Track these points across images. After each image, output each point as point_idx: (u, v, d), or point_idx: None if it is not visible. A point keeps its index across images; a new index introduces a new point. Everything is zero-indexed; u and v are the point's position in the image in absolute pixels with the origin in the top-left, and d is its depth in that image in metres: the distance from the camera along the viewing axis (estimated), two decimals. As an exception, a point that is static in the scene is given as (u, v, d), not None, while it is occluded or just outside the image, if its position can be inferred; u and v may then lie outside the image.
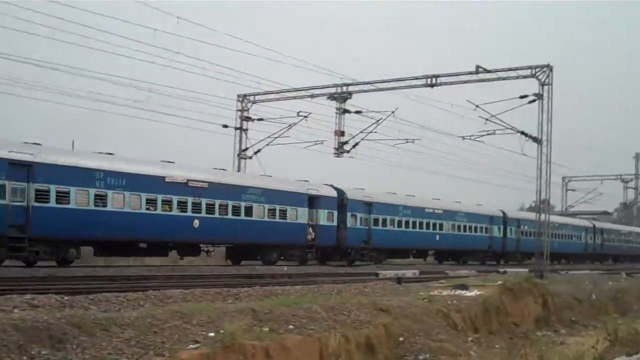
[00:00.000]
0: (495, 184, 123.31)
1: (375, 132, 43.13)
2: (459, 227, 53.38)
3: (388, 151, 46.03)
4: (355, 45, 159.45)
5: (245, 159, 46.31)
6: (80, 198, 29.57)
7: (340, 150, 43.68)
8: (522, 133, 38.32)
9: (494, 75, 39.20)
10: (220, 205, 35.50)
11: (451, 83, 40.47)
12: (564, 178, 72.27)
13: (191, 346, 12.60)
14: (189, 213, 33.89)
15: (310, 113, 43.57)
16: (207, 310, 15.20)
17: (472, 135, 41.88)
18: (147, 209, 32.16)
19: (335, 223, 42.64)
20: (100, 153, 32.07)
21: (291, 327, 15.83)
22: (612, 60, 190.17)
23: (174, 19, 35.33)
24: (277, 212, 39.00)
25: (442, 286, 26.50)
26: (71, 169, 29.48)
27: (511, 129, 39.10)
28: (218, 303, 17.39)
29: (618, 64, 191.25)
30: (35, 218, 27.88)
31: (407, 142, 44.79)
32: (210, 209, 34.91)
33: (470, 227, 54.39)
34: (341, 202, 43.18)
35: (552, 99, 36.87)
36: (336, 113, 43.52)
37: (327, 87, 43.88)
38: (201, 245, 36.57)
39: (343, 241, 43.08)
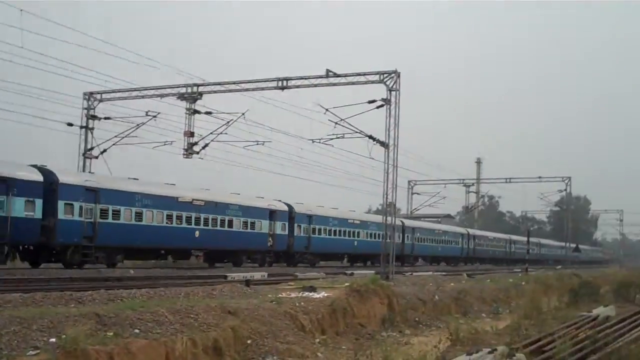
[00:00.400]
0: (344, 187, 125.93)
1: (226, 133, 42.90)
2: (371, 234, 60.14)
3: (238, 153, 45.97)
4: (209, 44, 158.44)
5: (90, 158, 44.86)
6: (126, 215, 37.85)
7: (189, 151, 43.14)
8: (370, 137, 39.09)
9: (343, 80, 39.74)
10: (212, 219, 43.98)
11: (301, 86, 40.83)
12: (409, 182, 74.53)
13: (31, 352, 12.12)
14: (193, 225, 42.48)
15: (159, 113, 42.86)
16: (49, 314, 14.64)
17: (321, 139, 42.33)
18: (167, 223, 40.72)
19: (286, 232, 50.94)
20: (131, 179, 40.37)
21: (137, 331, 15.49)
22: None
23: (17, 12, 33.69)
24: (249, 224, 47.33)
25: (291, 288, 26.69)
26: (121, 193, 37.95)
27: (359, 132, 39.85)
28: (60, 307, 16.75)
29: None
30: (99, 231, 35.97)
31: (258, 144, 44.91)
32: (206, 222, 43.42)
33: (377, 235, 57.90)
34: (290, 215, 51.43)
35: (399, 105, 37.81)
36: (186, 113, 42.93)
37: (177, 87, 43.17)
38: (193, 250, 44.75)
39: (291, 247, 51.53)
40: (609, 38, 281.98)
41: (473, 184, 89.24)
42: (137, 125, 43.47)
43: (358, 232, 59.44)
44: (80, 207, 35.15)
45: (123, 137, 44.35)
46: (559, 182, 72.84)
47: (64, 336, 13.19)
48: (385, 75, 38.30)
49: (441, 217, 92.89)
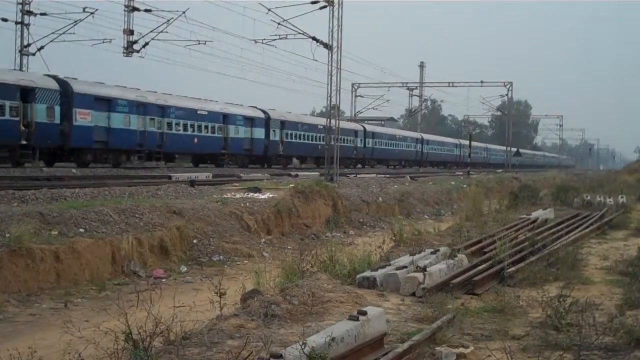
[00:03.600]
0: (287, 89, 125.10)
1: (166, 32, 41.87)
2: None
3: (179, 52, 45.31)
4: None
5: (27, 55, 43.51)
6: (177, 127, 44.24)
7: (129, 49, 42.08)
8: (314, 39, 38.51)
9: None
10: (211, 126, 47.98)
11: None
12: (353, 84, 74.13)
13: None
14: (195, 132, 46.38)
15: (96, 10, 41.56)
16: (-10, 213, 14.42)
17: (264, 39, 41.55)
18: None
19: (264, 137, 53.46)
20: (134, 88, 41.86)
21: (82, 230, 15.43)
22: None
23: None
24: (238, 130, 50.45)
25: (236, 189, 26.74)
26: (179, 108, 44.58)
27: (303, 34, 39.23)
28: (2, 206, 16.53)
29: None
30: (167, 139, 43.04)
31: (199, 43, 44.06)
32: (206, 129, 47.40)
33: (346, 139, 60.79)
34: (267, 122, 53.78)
35: (343, 6, 37.15)
36: (125, 11, 41.63)
37: (115, -17, 41.74)
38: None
39: (267, 151, 54.06)
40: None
41: (416, 88, 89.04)
42: (75, 22, 42.12)
43: (322, 137, 58.10)
44: (92, 114, 37.43)
45: (60, 34, 43.01)
46: (500, 87, 73.09)
47: (7, 235, 13.05)
48: (327, -24, 37.35)
49: (384, 120, 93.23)
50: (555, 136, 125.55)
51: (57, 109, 35.35)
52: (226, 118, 49.38)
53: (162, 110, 42.90)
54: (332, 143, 37.62)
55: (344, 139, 61.60)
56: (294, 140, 57.51)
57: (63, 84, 36.40)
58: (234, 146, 50.20)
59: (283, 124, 56.33)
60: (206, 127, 47.47)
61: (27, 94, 33.86)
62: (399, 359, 6.89)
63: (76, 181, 27.02)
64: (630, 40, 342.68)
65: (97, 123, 37.77)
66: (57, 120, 35.36)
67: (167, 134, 43.05)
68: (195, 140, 46.21)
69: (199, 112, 46.75)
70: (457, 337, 8.26)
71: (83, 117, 37.10)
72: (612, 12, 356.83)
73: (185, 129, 45.21)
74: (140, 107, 41.06)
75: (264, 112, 54.53)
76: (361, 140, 69.27)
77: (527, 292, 10.99)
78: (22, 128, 33.39)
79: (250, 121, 52.25)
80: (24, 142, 33.78)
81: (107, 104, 38.69)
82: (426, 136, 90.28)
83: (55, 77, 36.64)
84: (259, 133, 53.14)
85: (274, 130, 54.80)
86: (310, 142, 59.22)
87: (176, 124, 44.17)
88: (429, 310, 9.33)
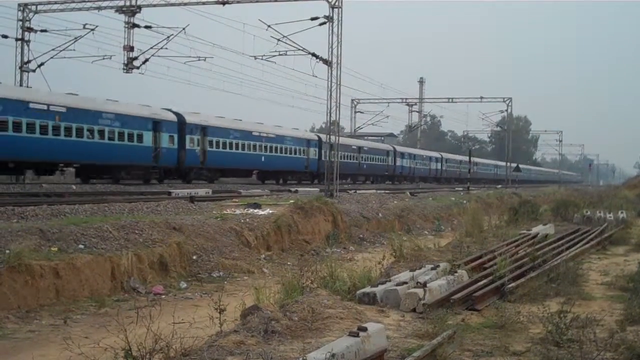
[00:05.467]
0: (288, 105, 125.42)
1: (166, 48, 41.98)
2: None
3: (179, 68, 45.37)
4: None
5: (28, 72, 43.56)
6: (222, 145, 48.79)
7: (129, 66, 42.16)
8: (313, 55, 38.61)
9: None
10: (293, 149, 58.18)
11: (242, 1, 39.78)
12: (352, 100, 74.23)
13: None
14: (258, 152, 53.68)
15: (97, 26, 41.62)
16: (-10, 229, 14.40)
17: (263, 55, 41.65)
18: (243, 150, 51.41)
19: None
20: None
21: (81, 246, 15.41)
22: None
23: None
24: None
25: (235, 205, 26.73)
26: (219, 129, 49.24)
27: (302, 50, 39.34)
28: (2, 223, 16.51)
29: None
30: (207, 157, 47.34)
31: (199, 59, 44.13)
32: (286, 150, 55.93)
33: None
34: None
35: (342, 22, 37.27)
36: (125, 27, 41.72)
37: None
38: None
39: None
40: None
41: (416, 104, 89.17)
42: (75, 38, 42.21)
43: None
44: (197, 140, 46.84)
45: (61, 51, 43.09)
46: (500, 102, 73.32)
47: (7, 251, 13.03)
48: (326, -9, 37.44)
49: (384, 135, 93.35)
50: (555, 151, 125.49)
51: (175, 136, 44.70)
52: (290, 140, 57.59)
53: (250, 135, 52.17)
54: (333, 159, 37.68)
55: (378, 158, 74.46)
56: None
57: (178, 116, 45.69)
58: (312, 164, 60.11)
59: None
60: (286, 149, 56.97)
61: (156, 125, 43.03)
62: (399, 375, 6.87)
63: (76, 197, 27.01)
64: (629, 56, 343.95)
65: (203, 147, 47.22)
66: (175, 146, 44.65)
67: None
68: (280, 161, 56.02)
69: (286, 137, 57.62)
70: (458, 353, 8.24)
71: (191, 143, 46.19)
72: (610, 31, 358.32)
73: (275, 150, 55.37)
74: (237, 133, 50.93)
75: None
76: (392, 159, 77.83)
77: (527, 308, 10.95)
78: (153, 153, 42.46)
79: (306, 143, 60.30)
80: (153, 164, 43.15)
81: (202, 130, 47.32)
82: (445, 155, 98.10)
83: (172, 111, 45.96)
84: (313, 153, 60.65)
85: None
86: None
87: (264, 147, 53.72)
88: (430, 326, 9.30)
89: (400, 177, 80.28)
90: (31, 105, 34.67)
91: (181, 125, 45.53)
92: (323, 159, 54.23)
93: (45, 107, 35.52)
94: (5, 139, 32.96)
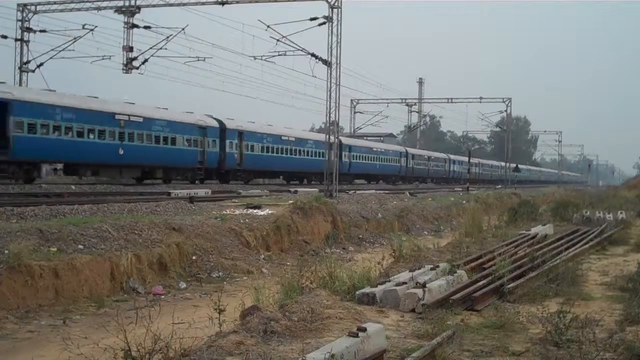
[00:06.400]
0: (287, 105, 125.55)
1: (166, 48, 41.95)
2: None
3: (179, 69, 45.39)
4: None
5: (27, 72, 43.53)
6: (257, 148, 52.74)
7: (129, 66, 42.10)
8: (313, 55, 38.55)
9: (285, -5, 38.84)
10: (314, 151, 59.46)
11: (242, 2, 39.67)
12: (352, 100, 74.18)
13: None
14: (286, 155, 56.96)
15: (96, 26, 41.62)
16: (-11, 230, 14.39)
17: (263, 56, 41.59)
18: (274, 153, 55.14)
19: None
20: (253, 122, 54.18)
21: (81, 246, 15.41)
22: None
23: None
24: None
25: (235, 205, 26.72)
26: (253, 133, 52.86)
27: (302, 50, 39.29)
28: (1, 223, 16.50)
29: None
30: (244, 159, 51.15)
31: (198, 60, 44.12)
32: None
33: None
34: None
35: (342, 22, 37.22)
36: (124, 27, 41.64)
37: (114, 0, 41.78)
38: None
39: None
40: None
41: (415, 104, 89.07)
42: (74, 38, 42.18)
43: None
44: (235, 144, 50.44)
45: (60, 51, 43.05)
46: (499, 103, 73.24)
47: (6, 252, 13.02)
48: (326, -9, 37.34)
49: (384, 136, 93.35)
50: (554, 152, 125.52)
51: (217, 141, 48.54)
52: (300, 142, 59.26)
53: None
54: (333, 158, 37.71)
55: (391, 159, 78.23)
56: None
57: (219, 122, 49.45)
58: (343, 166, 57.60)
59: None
60: (309, 152, 59.72)
61: (203, 130, 47.12)
62: (398, 375, 6.87)
63: (75, 197, 27.00)
64: (629, 56, 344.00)
65: (241, 151, 50.70)
66: (217, 149, 48.42)
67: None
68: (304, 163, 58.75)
69: (308, 140, 60.73)
70: (457, 353, 8.24)
71: (230, 147, 49.70)
72: (610, 31, 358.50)
73: (301, 153, 58.67)
74: (269, 137, 54.79)
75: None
76: (404, 160, 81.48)
77: (527, 308, 10.95)
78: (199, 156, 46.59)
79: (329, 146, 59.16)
80: (199, 166, 46.78)
81: (239, 135, 50.73)
82: (453, 157, 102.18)
83: (214, 117, 49.55)
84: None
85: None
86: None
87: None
88: (429, 326, 9.30)
89: (411, 178, 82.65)
90: (116, 117, 40.33)
91: (222, 131, 49.74)
92: (343, 160, 59.50)
93: (126, 118, 41.09)
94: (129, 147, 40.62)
